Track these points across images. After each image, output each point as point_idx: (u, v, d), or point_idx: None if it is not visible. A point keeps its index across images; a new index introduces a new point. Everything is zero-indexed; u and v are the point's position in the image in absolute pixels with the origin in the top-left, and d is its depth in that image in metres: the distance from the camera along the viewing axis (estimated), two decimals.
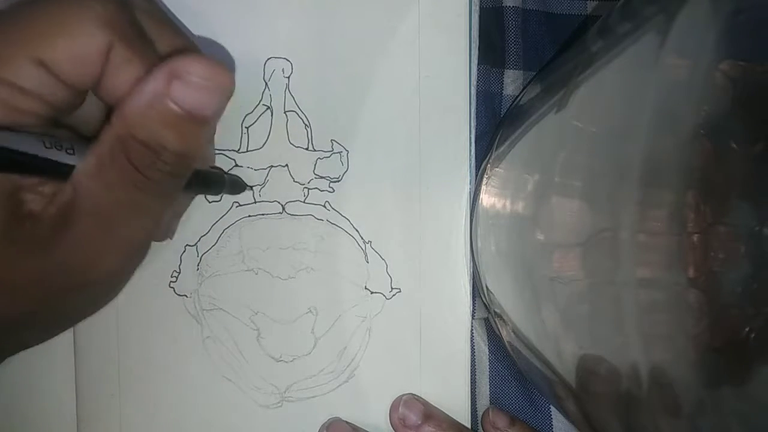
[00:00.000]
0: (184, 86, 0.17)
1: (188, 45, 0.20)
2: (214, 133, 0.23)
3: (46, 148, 0.17)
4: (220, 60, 0.17)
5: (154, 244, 0.25)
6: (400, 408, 0.25)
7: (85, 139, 0.20)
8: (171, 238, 0.24)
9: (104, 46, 0.17)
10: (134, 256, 0.20)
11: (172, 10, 0.25)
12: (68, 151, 0.17)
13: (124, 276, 0.20)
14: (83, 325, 0.25)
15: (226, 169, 0.25)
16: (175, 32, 0.20)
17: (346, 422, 0.26)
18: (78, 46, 0.17)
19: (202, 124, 0.17)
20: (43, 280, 0.18)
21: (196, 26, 0.25)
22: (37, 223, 0.17)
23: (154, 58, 0.18)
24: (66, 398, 0.25)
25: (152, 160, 0.17)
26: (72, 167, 0.17)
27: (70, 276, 0.18)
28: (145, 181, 0.17)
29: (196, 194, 0.24)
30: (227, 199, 0.25)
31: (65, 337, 0.25)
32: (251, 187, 0.25)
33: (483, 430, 0.27)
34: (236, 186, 0.25)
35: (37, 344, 0.21)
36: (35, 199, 0.17)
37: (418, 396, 0.26)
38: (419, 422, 0.25)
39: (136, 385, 0.25)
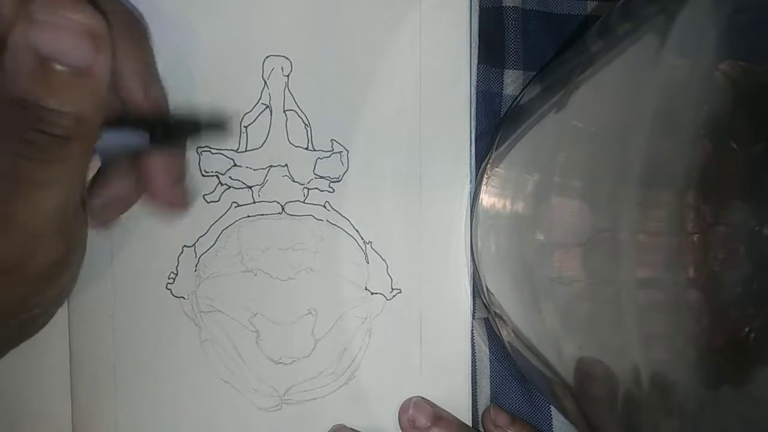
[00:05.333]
0: (40, 29, 0.15)
1: None
2: (153, 71, 0.21)
3: None
4: (84, 2, 0.15)
5: (152, 244, 0.25)
6: (409, 410, 0.25)
7: None
8: (186, 208, 0.22)
9: None
10: (46, 239, 0.17)
11: (170, 7, 0.25)
12: None
13: (39, 257, 0.17)
14: (78, 328, 0.25)
15: (223, 171, 0.25)
16: None
17: (351, 429, 0.26)
18: None
19: (82, 77, 0.15)
20: None
21: (194, 23, 0.25)
22: None
23: None
24: (61, 402, 0.25)
25: (26, 121, 0.15)
26: None
27: None
28: (27, 148, 0.15)
29: (174, 145, 0.21)
30: (226, 199, 0.25)
31: (60, 340, 0.25)
32: (229, 129, 0.23)
33: (484, 428, 0.27)
34: (216, 124, 0.22)
35: None
36: None
37: (426, 398, 0.26)
38: (428, 424, 0.25)
39: (133, 388, 0.25)
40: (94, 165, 0.21)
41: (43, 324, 0.19)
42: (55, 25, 0.15)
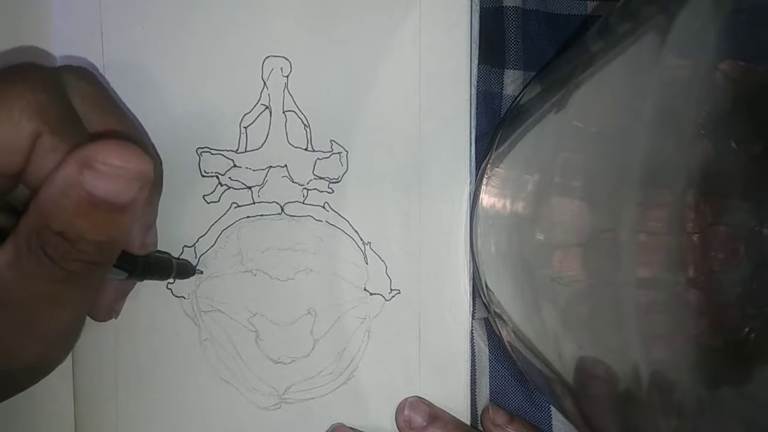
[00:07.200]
0: (96, 175, 0.16)
1: (126, 127, 0.20)
2: (155, 218, 0.23)
3: None
4: (135, 147, 0.17)
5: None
6: (405, 410, 0.25)
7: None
8: (116, 318, 0.24)
9: (31, 135, 0.17)
10: (57, 347, 0.19)
11: (170, 8, 0.25)
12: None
13: (48, 365, 0.19)
14: None
15: (223, 171, 0.25)
16: (117, 115, 0.20)
17: (350, 428, 0.26)
18: (3, 135, 0.16)
19: (122, 212, 0.17)
20: None
21: (194, 24, 0.25)
22: None
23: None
24: (64, 401, 0.25)
25: (68, 250, 0.16)
26: None
27: None
28: (63, 273, 0.17)
29: (142, 280, 0.23)
30: (225, 199, 0.25)
31: None
32: (201, 271, 0.25)
33: (483, 427, 0.27)
34: (185, 271, 0.25)
35: None
36: None
37: (423, 398, 0.26)
38: (425, 424, 0.25)
39: (134, 388, 0.25)
40: None
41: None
42: (113, 175, 0.16)
